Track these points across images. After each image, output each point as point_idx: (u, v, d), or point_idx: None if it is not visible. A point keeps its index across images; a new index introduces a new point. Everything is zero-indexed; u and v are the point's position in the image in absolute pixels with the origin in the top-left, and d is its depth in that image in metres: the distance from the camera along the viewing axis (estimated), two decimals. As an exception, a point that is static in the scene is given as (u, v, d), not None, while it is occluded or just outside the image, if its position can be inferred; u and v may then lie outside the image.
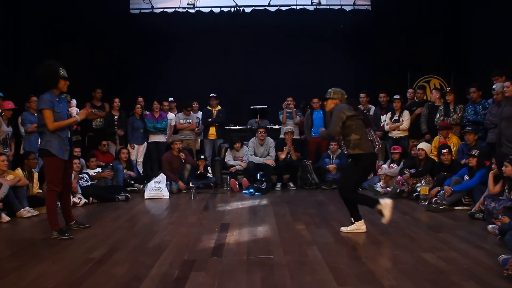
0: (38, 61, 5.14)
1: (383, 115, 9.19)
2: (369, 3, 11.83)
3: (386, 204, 4.91)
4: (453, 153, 7.28)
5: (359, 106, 5.33)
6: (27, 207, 6.21)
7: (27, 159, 6.76)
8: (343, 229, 5.12)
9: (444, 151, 7.05)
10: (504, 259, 3.64)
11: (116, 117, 9.29)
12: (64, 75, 5.06)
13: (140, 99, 9.75)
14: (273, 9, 11.92)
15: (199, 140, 10.19)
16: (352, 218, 5.13)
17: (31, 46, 9.22)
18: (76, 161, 7.16)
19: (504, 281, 3.36)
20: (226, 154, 9.28)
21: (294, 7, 11.83)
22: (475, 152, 6.43)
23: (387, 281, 3.45)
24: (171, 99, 10.33)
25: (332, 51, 11.85)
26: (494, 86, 6.96)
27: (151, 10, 11.90)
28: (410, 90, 9.65)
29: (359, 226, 5.08)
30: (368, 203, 5.11)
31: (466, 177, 6.47)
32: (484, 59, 9.38)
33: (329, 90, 5.32)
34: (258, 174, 8.60)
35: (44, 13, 9.70)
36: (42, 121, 4.99)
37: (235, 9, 11.89)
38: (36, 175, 6.85)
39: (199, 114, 10.15)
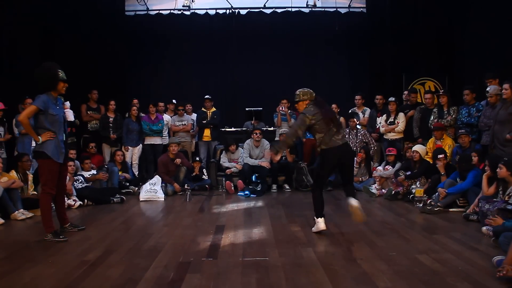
0: (33, 63, 5.14)
1: (378, 117, 9.22)
2: (364, 6, 11.88)
3: (318, 226, 5.07)
4: (448, 155, 7.30)
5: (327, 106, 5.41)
6: (22, 209, 6.18)
7: (21, 161, 6.73)
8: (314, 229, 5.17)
9: (440, 156, 7.05)
10: (498, 260, 3.67)
11: (111, 119, 9.26)
12: (63, 77, 5.08)
13: (135, 101, 9.74)
14: (268, 11, 11.94)
15: (193, 142, 10.19)
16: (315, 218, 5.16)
17: (26, 48, 9.19)
18: (71, 163, 7.14)
19: (498, 282, 3.38)
20: (221, 156, 9.28)
21: (290, 9, 11.86)
22: (456, 158, 6.64)
23: (382, 282, 3.46)
24: (174, 101, 10.33)
25: (327, 53, 11.88)
26: (488, 89, 7.00)
27: (146, 12, 11.90)
28: (405, 92, 9.69)
29: (319, 224, 5.10)
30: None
31: (458, 180, 6.52)
32: (478, 61, 9.42)
33: (297, 93, 5.37)
34: (254, 176, 8.59)
35: (39, 15, 9.67)
36: (37, 123, 4.99)
37: (231, 11, 11.92)
38: (30, 177, 6.82)
39: (194, 115, 10.14)
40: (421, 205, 6.62)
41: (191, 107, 10.18)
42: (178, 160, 8.65)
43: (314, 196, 5.19)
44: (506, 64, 7.93)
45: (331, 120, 5.12)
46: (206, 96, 9.96)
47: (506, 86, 6.33)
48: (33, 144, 7.35)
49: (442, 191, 6.42)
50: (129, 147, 9.24)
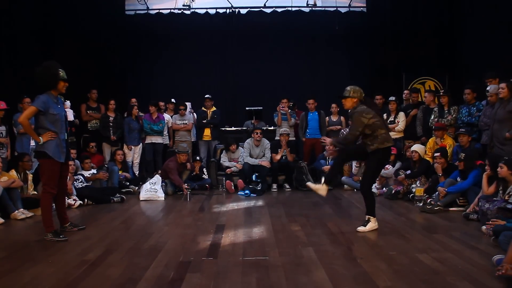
0: (32, 62, 5.13)
1: (378, 116, 9.21)
2: (364, 5, 11.86)
3: (372, 224, 5.17)
4: (448, 154, 7.29)
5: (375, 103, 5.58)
6: (21, 209, 6.17)
7: (22, 161, 6.72)
8: (361, 229, 5.17)
9: (436, 154, 7.07)
10: (498, 259, 3.67)
11: (111, 119, 9.26)
12: (64, 76, 5.07)
13: (133, 100, 9.75)
14: (268, 10, 11.93)
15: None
16: (369, 216, 5.22)
17: (25, 47, 9.19)
18: (71, 162, 7.13)
19: (497, 281, 3.38)
20: (222, 155, 9.28)
21: (290, 8, 11.84)
22: (461, 155, 6.57)
23: (382, 281, 3.46)
24: (173, 100, 10.33)
25: (327, 53, 11.86)
26: (488, 88, 7.00)
27: (146, 11, 11.89)
28: (405, 92, 9.70)
29: (374, 223, 5.20)
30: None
31: (458, 179, 6.52)
32: (479, 60, 9.42)
33: (348, 88, 5.40)
34: (254, 176, 8.59)
35: (39, 13, 9.67)
36: (38, 123, 4.99)
37: (231, 11, 11.90)
38: (30, 177, 6.82)
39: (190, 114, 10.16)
40: (421, 204, 6.63)
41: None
42: (189, 165, 8.70)
43: (369, 196, 5.26)
44: (506, 63, 7.93)
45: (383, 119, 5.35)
46: (206, 96, 9.95)
47: (502, 85, 6.36)
48: (32, 143, 7.37)
49: (441, 190, 6.42)
50: (131, 146, 9.26)
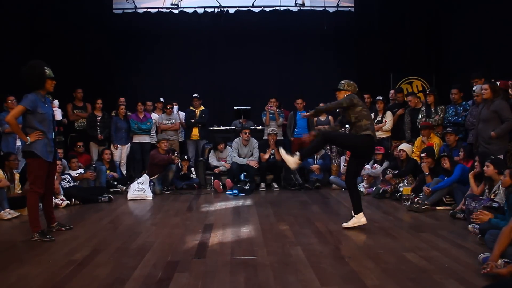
0: (18, 61, 5.08)
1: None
2: (352, 5, 11.92)
3: (360, 220, 5.22)
4: (435, 153, 7.34)
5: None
6: (8, 209, 6.11)
7: (8, 160, 6.65)
8: (345, 224, 5.26)
9: (422, 155, 7.13)
10: (484, 257, 3.72)
11: (98, 118, 9.21)
12: (51, 74, 5.04)
13: (122, 99, 9.70)
14: (256, 10, 11.93)
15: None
16: (352, 212, 5.29)
17: (11, 46, 9.07)
18: (58, 162, 7.07)
19: (483, 279, 3.41)
20: (210, 155, 9.26)
21: (278, 8, 11.86)
22: (445, 153, 6.72)
23: (370, 280, 3.48)
24: (161, 99, 10.29)
25: (315, 52, 11.89)
26: (474, 88, 7.06)
27: (134, 10, 11.83)
28: (392, 91, 9.75)
29: (359, 219, 5.22)
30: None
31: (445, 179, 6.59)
32: (465, 60, 9.49)
33: (342, 82, 5.59)
34: (242, 175, 8.59)
35: (25, 12, 9.56)
36: (25, 123, 4.94)
37: (219, 10, 11.88)
38: (17, 176, 6.74)
39: (180, 113, 10.13)
40: (408, 203, 6.67)
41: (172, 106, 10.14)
42: (173, 157, 8.73)
43: (354, 191, 5.32)
44: (492, 63, 8.00)
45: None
46: (194, 95, 9.93)
47: (485, 86, 6.45)
48: (18, 142, 7.29)
49: (425, 190, 6.50)
50: (118, 145, 9.21)
